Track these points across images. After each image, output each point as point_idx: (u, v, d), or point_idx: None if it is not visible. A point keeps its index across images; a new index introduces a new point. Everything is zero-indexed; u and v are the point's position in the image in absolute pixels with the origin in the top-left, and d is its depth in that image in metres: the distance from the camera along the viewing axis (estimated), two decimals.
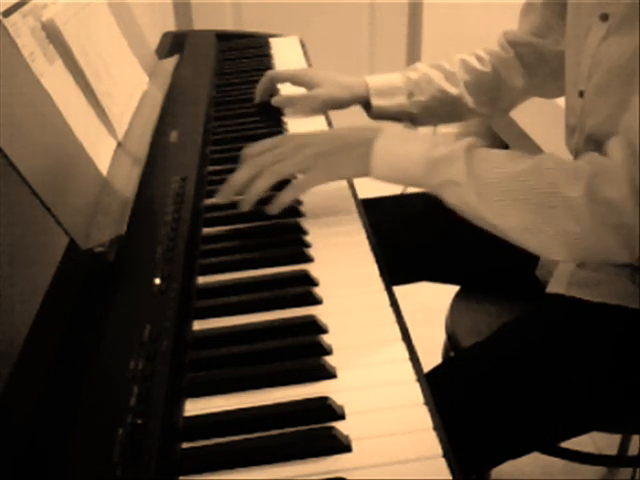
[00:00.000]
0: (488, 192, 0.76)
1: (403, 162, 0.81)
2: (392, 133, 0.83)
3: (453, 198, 0.79)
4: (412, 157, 0.80)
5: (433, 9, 2.73)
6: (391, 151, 0.82)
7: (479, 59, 1.15)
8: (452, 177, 0.77)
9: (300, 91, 1.18)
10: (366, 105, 1.15)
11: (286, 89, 1.24)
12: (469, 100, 1.14)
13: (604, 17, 0.82)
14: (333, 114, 1.18)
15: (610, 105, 0.82)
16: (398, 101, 1.13)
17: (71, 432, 0.51)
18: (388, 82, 1.14)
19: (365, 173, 0.83)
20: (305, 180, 0.85)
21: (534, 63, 1.12)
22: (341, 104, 1.14)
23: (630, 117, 0.71)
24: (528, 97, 1.20)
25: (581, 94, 0.87)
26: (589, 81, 0.85)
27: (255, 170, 0.84)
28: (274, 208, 0.84)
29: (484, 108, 1.16)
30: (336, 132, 0.88)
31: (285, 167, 0.84)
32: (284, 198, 0.84)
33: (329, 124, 1.14)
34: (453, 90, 1.13)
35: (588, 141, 0.87)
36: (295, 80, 1.19)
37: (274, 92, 1.23)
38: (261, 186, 0.83)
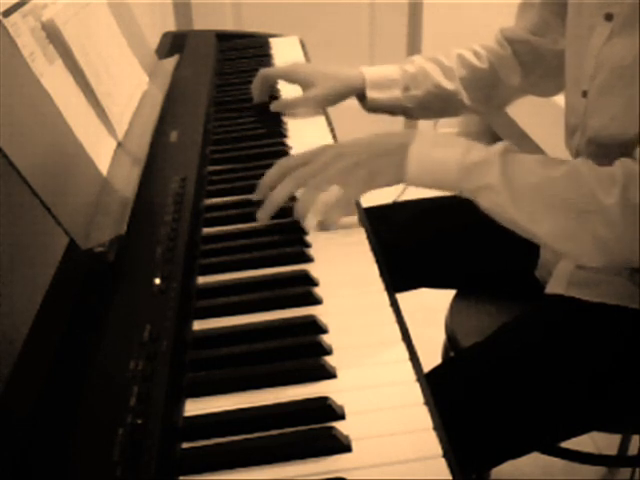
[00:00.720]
0: (523, 197, 0.76)
1: (438, 167, 0.80)
2: (426, 137, 0.82)
3: (488, 203, 0.79)
4: (447, 162, 0.80)
5: (433, 9, 2.74)
6: (426, 156, 0.81)
7: (476, 55, 1.14)
8: (487, 182, 0.77)
9: (297, 89, 1.18)
10: (361, 97, 1.15)
11: (284, 87, 1.24)
12: (464, 96, 1.14)
13: (608, 17, 0.82)
14: (333, 114, 1.18)
15: (614, 106, 0.81)
16: (393, 94, 1.13)
17: (71, 432, 0.51)
18: (384, 74, 1.13)
19: (401, 179, 0.83)
20: (350, 195, 0.84)
21: (531, 61, 1.12)
22: (338, 99, 1.14)
23: None
24: (523, 95, 1.20)
25: (584, 94, 0.87)
26: (593, 81, 0.85)
27: (295, 187, 0.84)
28: (330, 227, 0.84)
29: (479, 104, 1.16)
30: (370, 140, 0.86)
31: (325, 181, 0.83)
32: (335, 216, 0.84)
33: (329, 124, 1.14)
34: (449, 85, 1.13)
35: (590, 142, 0.87)
36: (288, 78, 1.18)
37: (273, 91, 1.23)
38: (306, 206, 0.83)
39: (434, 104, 1.14)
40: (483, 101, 1.16)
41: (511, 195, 0.76)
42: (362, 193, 0.85)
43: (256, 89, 1.19)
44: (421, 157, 0.81)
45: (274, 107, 1.16)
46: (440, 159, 0.81)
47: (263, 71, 1.19)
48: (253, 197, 0.86)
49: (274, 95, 1.22)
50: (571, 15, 0.91)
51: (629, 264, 0.80)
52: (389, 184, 0.85)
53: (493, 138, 2.64)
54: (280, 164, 0.86)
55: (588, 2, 0.85)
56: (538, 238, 0.78)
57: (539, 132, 2.33)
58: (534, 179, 0.76)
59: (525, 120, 2.42)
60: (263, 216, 0.84)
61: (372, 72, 1.13)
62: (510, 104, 1.23)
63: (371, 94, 1.12)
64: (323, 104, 1.15)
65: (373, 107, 1.15)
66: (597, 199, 0.72)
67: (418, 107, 1.14)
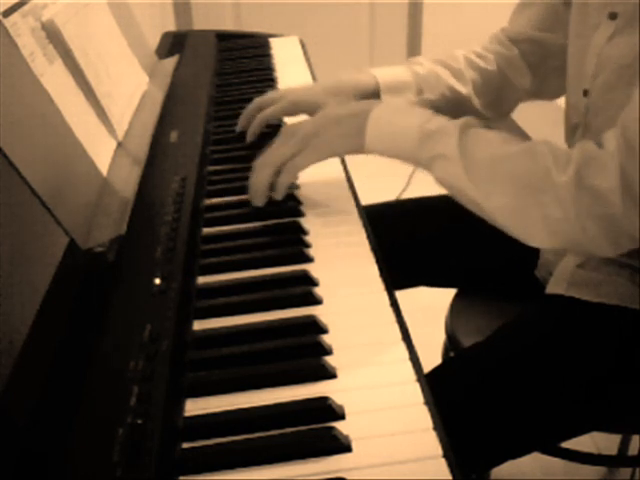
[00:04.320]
0: (477, 170, 0.76)
1: (397, 133, 0.81)
2: (388, 105, 0.83)
3: (441, 173, 0.79)
4: (406, 129, 0.80)
5: (433, 9, 2.74)
6: (386, 121, 0.82)
7: (481, 57, 1.10)
8: (443, 151, 0.77)
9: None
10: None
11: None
12: (476, 101, 1.10)
13: (613, 16, 0.81)
14: None
15: (617, 105, 0.81)
16: (407, 98, 1.07)
17: (71, 432, 0.51)
18: (396, 76, 1.08)
19: (359, 147, 0.83)
20: (298, 160, 0.85)
21: (538, 61, 1.09)
22: None
23: (627, 109, 0.71)
24: (529, 99, 1.16)
25: (585, 93, 0.87)
26: (595, 80, 0.84)
27: (264, 169, 0.86)
28: (278, 195, 0.86)
29: (488, 110, 1.12)
30: (329, 110, 0.87)
31: (280, 154, 0.85)
32: (282, 181, 0.85)
33: None
34: (462, 89, 1.08)
35: (594, 140, 0.87)
36: (291, 112, 1.06)
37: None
38: (261, 180, 0.85)
39: (447, 109, 1.07)
40: (493, 106, 1.12)
41: (465, 166, 0.76)
42: (316, 161, 0.86)
43: (254, 130, 1.04)
44: (381, 122, 0.82)
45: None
46: (399, 125, 0.81)
47: (263, 115, 1.03)
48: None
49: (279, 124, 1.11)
50: (575, 13, 0.90)
51: (579, 249, 0.79)
52: (346, 152, 0.86)
53: None
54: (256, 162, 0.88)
55: (592, 2, 0.85)
56: (487, 213, 0.77)
57: (539, 132, 2.33)
58: (490, 152, 0.76)
59: (525, 120, 2.42)
60: (257, 203, 0.86)
61: (384, 75, 1.07)
62: (514, 109, 1.18)
63: (386, 98, 1.06)
64: None
65: None
66: (550, 177, 0.71)
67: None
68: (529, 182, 0.73)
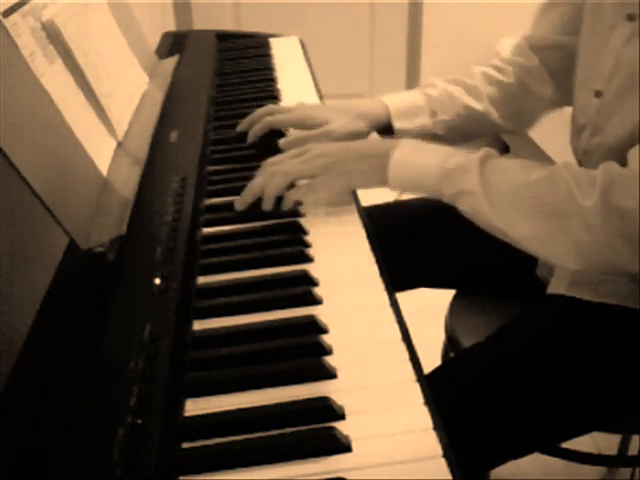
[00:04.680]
0: (501, 202, 0.77)
1: (419, 173, 0.82)
2: (408, 144, 0.84)
3: (467, 208, 0.80)
4: (427, 168, 0.82)
5: (433, 9, 2.74)
6: (407, 162, 0.83)
7: (499, 70, 1.08)
8: (466, 187, 0.78)
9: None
10: (382, 129, 1.07)
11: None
12: (494, 115, 1.08)
13: (631, 17, 0.81)
14: None
15: (631, 108, 0.81)
16: (421, 122, 1.06)
17: (71, 432, 0.51)
18: (408, 101, 1.07)
19: (381, 184, 0.85)
20: (319, 183, 0.86)
21: (560, 68, 1.05)
22: (359, 136, 1.01)
23: None
24: (554, 108, 1.12)
25: (597, 94, 0.86)
26: (610, 82, 0.84)
27: (270, 176, 0.86)
28: (287, 204, 0.86)
29: (510, 122, 1.10)
30: (353, 144, 0.89)
31: (298, 170, 0.86)
32: (294, 197, 0.86)
33: None
34: (478, 106, 1.07)
35: (604, 143, 0.86)
36: (298, 125, 1.04)
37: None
38: (274, 186, 0.85)
39: (464, 127, 1.08)
40: (513, 118, 1.11)
41: (489, 200, 0.77)
42: (333, 190, 0.87)
43: (257, 131, 1.03)
44: (402, 162, 0.83)
45: (283, 144, 0.99)
46: (421, 165, 0.82)
47: (268, 120, 1.03)
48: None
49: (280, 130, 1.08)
50: (588, 14, 0.89)
51: (609, 268, 0.79)
52: (366, 187, 0.87)
53: (493, 139, 2.64)
54: (264, 163, 0.89)
55: (609, 2, 0.84)
56: (516, 242, 0.78)
57: (540, 133, 2.33)
58: (513, 183, 0.77)
59: None
60: (240, 204, 0.86)
61: (395, 101, 1.07)
62: (538, 120, 1.15)
63: (398, 125, 1.05)
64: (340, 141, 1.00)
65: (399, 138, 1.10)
66: (575, 202, 0.72)
67: (448, 132, 1.08)
68: (554, 209, 0.74)
